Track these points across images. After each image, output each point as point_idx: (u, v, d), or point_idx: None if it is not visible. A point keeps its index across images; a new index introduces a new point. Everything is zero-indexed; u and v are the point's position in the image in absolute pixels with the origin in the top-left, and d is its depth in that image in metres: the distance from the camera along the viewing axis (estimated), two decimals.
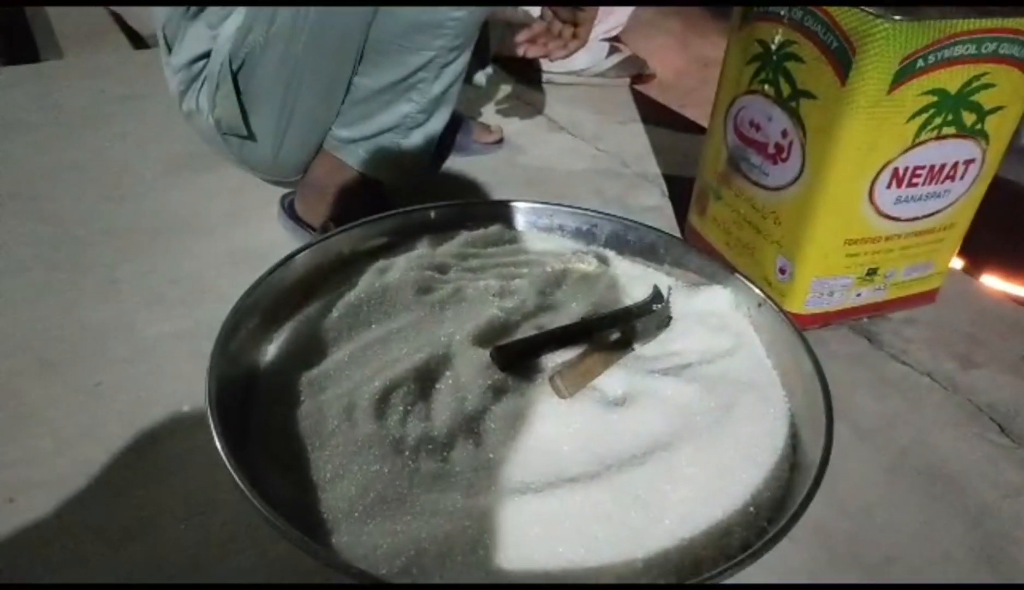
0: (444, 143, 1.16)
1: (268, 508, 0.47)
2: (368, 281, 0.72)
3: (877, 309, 0.94)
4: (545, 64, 1.45)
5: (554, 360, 0.64)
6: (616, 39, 1.50)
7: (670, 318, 0.71)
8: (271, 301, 0.68)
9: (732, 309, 0.73)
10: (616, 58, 1.49)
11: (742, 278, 0.74)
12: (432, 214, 0.81)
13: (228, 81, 0.82)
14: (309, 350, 0.65)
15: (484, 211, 0.83)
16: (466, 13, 0.76)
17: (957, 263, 1.29)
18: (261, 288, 0.67)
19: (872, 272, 0.89)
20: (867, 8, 0.72)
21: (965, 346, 0.92)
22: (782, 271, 0.89)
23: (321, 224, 0.93)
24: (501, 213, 0.83)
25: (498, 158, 1.21)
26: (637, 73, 1.50)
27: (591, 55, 1.45)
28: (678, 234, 1.07)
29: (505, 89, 1.42)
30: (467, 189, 1.12)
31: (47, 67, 1.49)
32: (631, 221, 0.81)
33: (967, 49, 0.74)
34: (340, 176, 0.91)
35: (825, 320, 0.91)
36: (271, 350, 0.66)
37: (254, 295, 0.65)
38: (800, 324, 0.89)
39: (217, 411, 0.53)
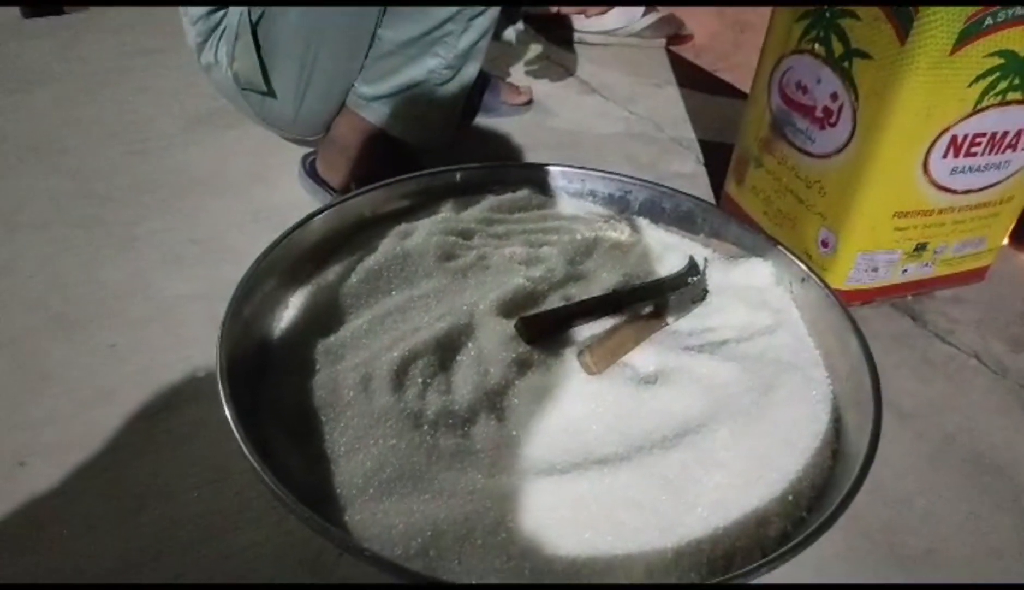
0: (472, 103, 1.12)
1: (277, 483, 0.44)
2: (389, 246, 0.69)
3: (923, 286, 0.89)
4: (577, 23, 1.39)
5: (583, 334, 0.61)
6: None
7: (706, 291, 0.67)
8: (287, 265, 0.65)
9: (773, 284, 0.69)
10: (652, 18, 1.42)
11: (785, 250, 0.70)
12: (457, 177, 0.77)
13: (247, 33, 0.79)
14: (326, 317, 0.63)
15: (512, 175, 0.79)
16: None
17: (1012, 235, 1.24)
18: (276, 251, 0.64)
19: (921, 247, 0.84)
20: None
21: (1017, 327, 0.87)
22: (824, 244, 0.84)
23: (342, 185, 0.89)
24: (530, 177, 0.79)
25: (527, 120, 1.16)
26: (674, 34, 1.43)
27: (626, 14, 1.39)
28: (714, 203, 1.02)
29: (535, 49, 1.37)
30: (494, 151, 1.08)
31: (71, 19, 1.47)
32: (666, 188, 0.77)
33: None
34: (363, 135, 0.87)
35: (868, 297, 0.87)
36: (287, 315, 0.63)
37: (269, 259, 0.63)
38: (844, 299, 0.86)
39: (228, 381, 0.51)
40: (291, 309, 0.64)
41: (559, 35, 1.40)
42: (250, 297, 0.60)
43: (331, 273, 0.67)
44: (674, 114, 1.22)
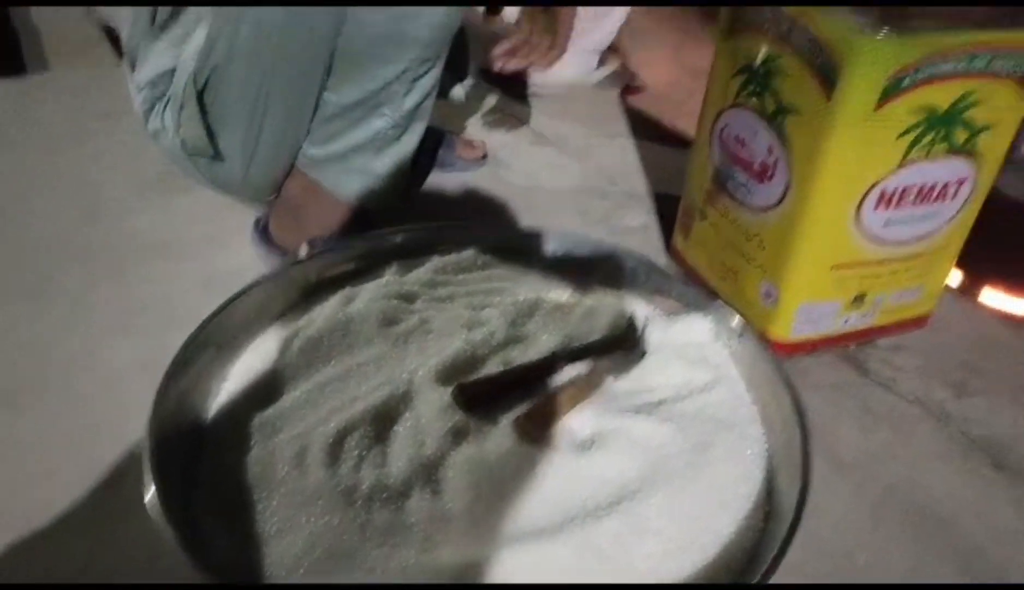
0: (425, 160, 1.13)
1: (202, 568, 0.44)
2: (331, 312, 0.69)
3: (866, 335, 0.90)
4: (533, 77, 1.42)
5: (521, 399, 0.61)
6: (606, 50, 1.47)
7: (645, 351, 0.68)
8: (227, 334, 0.65)
9: (712, 339, 0.70)
10: (606, 69, 1.46)
11: (724, 305, 0.71)
12: (402, 238, 0.78)
13: (192, 101, 0.80)
14: (265, 388, 0.63)
15: (457, 235, 0.80)
16: (438, 22, 0.74)
17: (955, 278, 1.26)
18: (215, 321, 0.64)
19: (860, 297, 0.86)
20: (853, 20, 0.69)
21: (959, 373, 0.88)
22: (767, 296, 0.86)
23: (295, 247, 0.90)
24: (475, 237, 0.80)
25: (482, 175, 1.18)
26: (627, 84, 1.47)
27: (580, 66, 1.42)
28: (664, 256, 1.04)
29: (491, 101, 1.39)
30: (449, 208, 1.10)
31: (31, 82, 1.47)
32: (610, 246, 0.78)
33: (958, 65, 0.71)
34: (314, 196, 0.88)
35: (812, 347, 0.88)
36: (225, 388, 0.63)
37: (206, 330, 0.63)
38: (786, 352, 0.87)
39: (160, 460, 0.51)
40: (230, 381, 0.64)
41: (515, 89, 1.43)
42: (186, 370, 0.60)
43: (271, 342, 0.67)
44: (627, 165, 1.24)
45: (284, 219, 0.92)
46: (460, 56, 0.94)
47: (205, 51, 0.78)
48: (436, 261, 0.76)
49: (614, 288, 0.76)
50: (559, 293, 0.74)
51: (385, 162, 0.83)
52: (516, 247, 0.80)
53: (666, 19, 1.89)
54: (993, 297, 1.24)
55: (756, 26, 0.80)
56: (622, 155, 1.28)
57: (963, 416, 0.82)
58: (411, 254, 0.78)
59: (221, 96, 0.80)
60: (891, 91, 0.70)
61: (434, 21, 0.73)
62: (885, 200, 0.78)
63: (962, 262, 1.17)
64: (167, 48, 0.80)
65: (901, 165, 0.76)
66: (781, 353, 0.87)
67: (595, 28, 1.39)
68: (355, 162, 0.82)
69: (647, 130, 1.36)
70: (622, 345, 0.68)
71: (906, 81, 0.70)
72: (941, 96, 0.72)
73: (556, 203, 1.13)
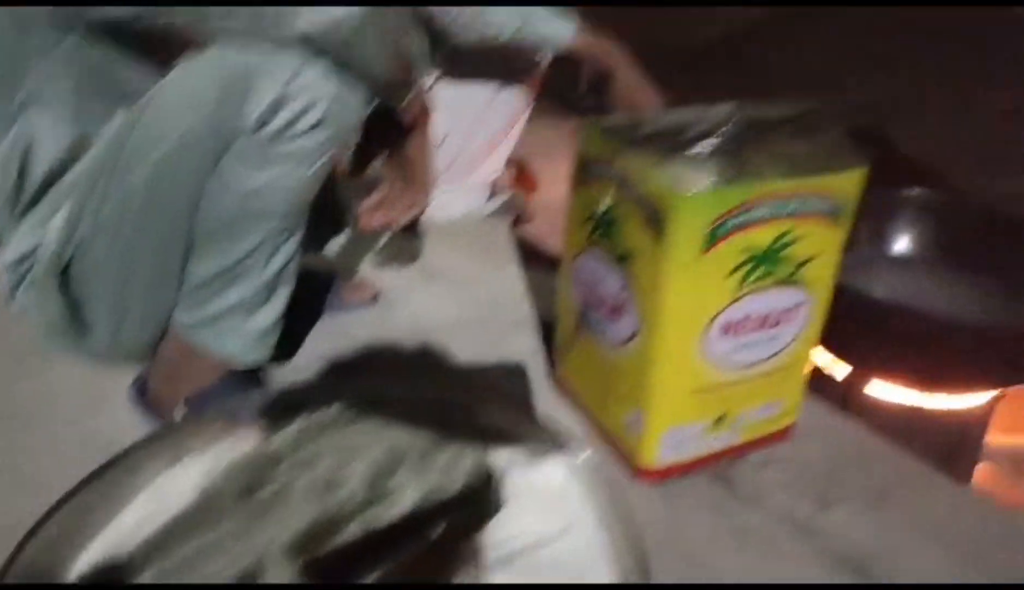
0: (312, 306, 1.16)
1: None
2: (190, 483, 0.69)
3: (733, 453, 0.94)
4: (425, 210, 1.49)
5: (376, 567, 0.61)
6: (495, 182, 1.55)
7: (502, 501, 0.70)
8: (79, 515, 0.64)
9: (569, 481, 0.72)
10: (496, 201, 1.54)
11: (580, 444, 0.74)
12: (273, 396, 0.79)
13: (55, 278, 0.81)
14: (116, 573, 0.62)
15: (326, 390, 0.81)
16: (287, 198, 0.78)
17: (842, 372, 1.36)
18: (67, 507, 0.63)
19: (721, 418, 0.90)
20: (673, 176, 0.77)
21: (822, 484, 0.92)
22: (634, 425, 0.90)
23: (171, 409, 0.90)
24: (341, 390, 0.81)
25: (371, 316, 1.21)
26: (518, 213, 1.54)
27: (470, 200, 1.50)
28: (547, 385, 1.07)
29: (383, 240, 1.44)
30: (337, 354, 1.11)
31: None
32: (477, 390, 0.81)
33: (770, 210, 0.79)
34: (190, 357, 0.89)
35: (682, 471, 0.91)
36: (75, 569, 0.62)
37: (56, 517, 0.62)
38: (658, 477, 0.90)
39: None
40: (80, 563, 0.63)
41: (408, 225, 1.48)
42: (32, 554, 0.58)
43: (128, 520, 0.66)
44: (516, 294, 1.30)
45: (162, 379, 0.92)
46: (334, 211, 0.99)
47: (69, 228, 0.80)
48: (302, 420, 0.77)
49: (477, 433, 0.78)
50: (423, 442, 0.76)
51: (257, 322, 0.85)
52: (383, 398, 0.82)
53: (565, 145, 2.01)
54: (880, 389, 1.35)
55: (598, 178, 0.87)
56: (511, 284, 1.33)
57: (826, 530, 0.86)
58: (282, 413, 0.79)
59: (86, 270, 0.81)
60: (714, 237, 0.77)
61: (284, 197, 0.78)
62: (728, 329, 0.84)
63: (849, 358, 1.28)
64: (30, 229, 0.82)
65: (737, 299, 0.82)
66: (653, 479, 0.90)
67: (483, 163, 1.47)
68: (226, 325, 0.84)
69: (536, 257, 1.43)
70: (480, 497, 0.70)
71: (727, 227, 0.77)
72: (761, 237, 0.80)
73: (444, 337, 1.16)
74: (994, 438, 1.79)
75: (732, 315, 0.83)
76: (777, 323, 0.87)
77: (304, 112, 0.72)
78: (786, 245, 0.81)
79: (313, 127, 0.73)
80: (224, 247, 0.78)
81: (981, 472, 1.67)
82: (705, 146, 0.84)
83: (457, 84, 1.36)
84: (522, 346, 1.16)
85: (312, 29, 0.70)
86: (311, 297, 1.16)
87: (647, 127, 0.87)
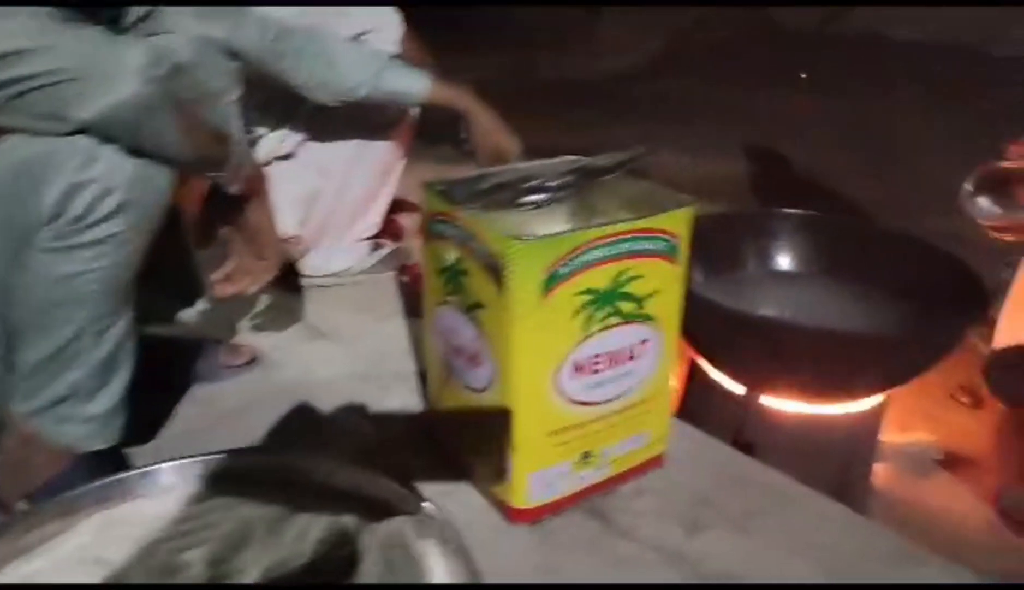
0: (182, 376, 1.13)
1: None
2: (24, 581, 0.66)
3: (606, 486, 0.96)
4: (305, 268, 1.48)
5: None
6: (377, 236, 1.56)
7: (356, 563, 0.69)
8: None
9: (421, 540, 0.72)
10: (379, 254, 1.54)
11: (429, 504, 0.74)
12: (111, 484, 0.77)
13: None
14: None
15: (173, 471, 0.79)
16: (95, 289, 0.77)
17: (739, 389, 1.42)
18: None
19: (587, 455, 0.92)
20: (508, 227, 0.79)
21: (693, 510, 0.95)
22: (502, 469, 0.90)
23: (14, 502, 0.86)
24: (193, 468, 0.80)
25: (249, 380, 1.19)
26: (403, 263, 1.55)
27: (353, 255, 1.50)
28: (425, 434, 1.07)
29: (264, 300, 1.42)
30: (211, 424, 1.09)
31: None
32: (323, 458, 0.80)
33: (603, 252, 0.82)
34: (34, 447, 0.85)
35: (554, 509, 0.92)
36: None
37: None
38: (531, 517, 0.91)
39: None
40: None
41: (290, 283, 1.47)
42: None
43: None
44: (396, 347, 1.30)
45: (6, 472, 0.88)
46: (189, 280, 0.98)
47: None
48: (145, 503, 0.75)
49: (333, 497, 0.77)
50: (274, 513, 0.75)
51: (97, 406, 0.83)
52: (238, 470, 0.80)
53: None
54: (776, 402, 1.41)
55: (442, 234, 0.89)
56: (393, 337, 1.33)
57: (696, 554, 0.88)
58: (124, 498, 0.77)
59: None
60: (552, 281, 0.80)
61: (96, 283, 0.76)
62: (579, 369, 0.86)
63: (742, 376, 1.33)
64: None
65: (584, 340, 0.85)
66: (527, 520, 0.91)
67: (360, 218, 1.48)
68: (64, 411, 0.81)
69: (419, 308, 1.43)
70: (331, 562, 0.69)
71: (563, 272, 0.80)
72: (599, 278, 0.83)
73: (323, 395, 1.15)
74: (889, 437, 1.88)
75: (581, 355, 0.85)
76: (628, 359, 0.89)
77: (101, 198, 0.71)
78: (626, 282, 0.85)
79: (113, 213, 0.72)
80: (47, 335, 0.76)
81: (879, 472, 1.75)
82: (541, 197, 0.87)
83: (325, 142, 1.37)
84: (402, 399, 1.16)
85: (91, 116, 0.69)
86: (177, 369, 1.13)
87: (487, 181, 0.90)
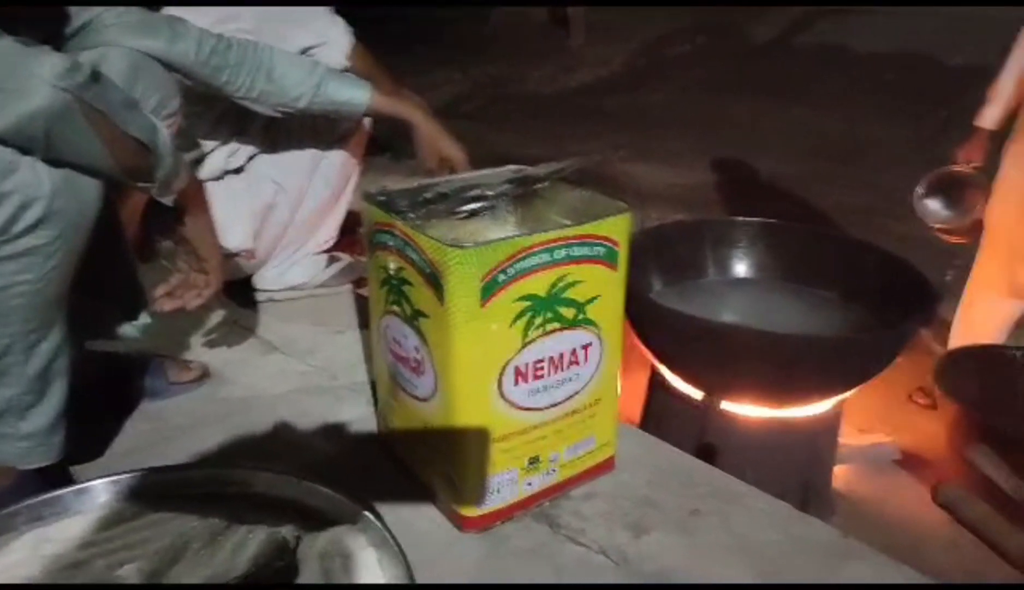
0: (130, 392, 1.12)
1: None
2: None
3: (556, 490, 0.97)
4: (260, 282, 1.48)
5: None
6: (334, 249, 1.56)
7: (294, 572, 0.69)
8: None
9: (360, 549, 0.73)
10: (335, 267, 1.54)
11: (369, 515, 0.74)
12: (47, 501, 0.76)
13: None
14: None
15: (114, 486, 0.79)
16: (29, 300, 0.76)
17: (698, 394, 1.43)
18: None
19: (535, 460, 0.92)
20: (445, 236, 0.80)
21: (640, 512, 0.96)
22: (451, 477, 0.91)
23: None
24: (135, 484, 0.79)
25: (198, 396, 1.18)
26: (359, 277, 1.55)
27: (309, 268, 1.49)
28: (376, 447, 1.07)
29: (218, 315, 1.42)
30: (160, 441, 1.07)
31: None
32: (263, 468, 0.80)
33: (541, 258, 0.83)
34: None
35: (505, 515, 0.93)
36: None
37: None
38: (480, 525, 0.91)
39: None
40: None
41: (245, 297, 1.47)
42: None
43: None
44: (351, 359, 1.29)
45: None
46: (130, 295, 0.97)
47: None
48: (82, 520, 0.75)
49: (267, 512, 0.77)
50: (213, 526, 0.74)
51: (32, 423, 0.82)
52: (179, 485, 0.80)
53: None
54: (734, 406, 1.43)
55: (384, 244, 0.89)
56: (346, 349, 1.33)
57: (640, 555, 0.89)
58: (61, 515, 0.76)
59: None
60: (490, 289, 0.81)
61: (22, 298, 0.75)
62: (521, 375, 0.86)
63: (700, 382, 1.35)
64: None
65: (524, 346, 0.85)
66: (477, 527, 0.91)
67: (315, 232, 1.48)
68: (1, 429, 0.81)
69: None
70: (269, 572, 0.69)
71: (500, 279, 0.81)
72: (537, 285, 0.83)
73: (275, 410, 1.15)
74: (849, 439, 1.91)
75: (522, 361, 0.86)
76: (571, 364, 0.90)
77: (23, 209, 0.70)
78: (565, 288, 0.86)
79: (36, 224, 0.72)
80: None
81: (840, 473, 1.78)
82: (480, 205, 0.88)
83: (278, 155, 1.37)
84: (352, 412, 1.16)
85: (4, 126, 0.68)
86: (125, 386, 1.12)
87: (428, 191, 0.91)
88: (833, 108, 4.74)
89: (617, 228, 0.88)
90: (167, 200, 0.81)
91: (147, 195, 0.87)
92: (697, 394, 1.49)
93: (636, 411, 1.68)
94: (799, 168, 3.94)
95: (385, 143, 2.20)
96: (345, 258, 1.57)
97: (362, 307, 1.48)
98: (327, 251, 1.53)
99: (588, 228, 0.85)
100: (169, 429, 1.10)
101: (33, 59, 0.68)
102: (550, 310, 0.86)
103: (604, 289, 0.89)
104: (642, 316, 1.42)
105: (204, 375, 1.21)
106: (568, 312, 0.87)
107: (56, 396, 0.83)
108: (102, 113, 0.71)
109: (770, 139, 4.40)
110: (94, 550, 0.72)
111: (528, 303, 0.84)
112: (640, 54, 6.55)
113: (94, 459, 1.02)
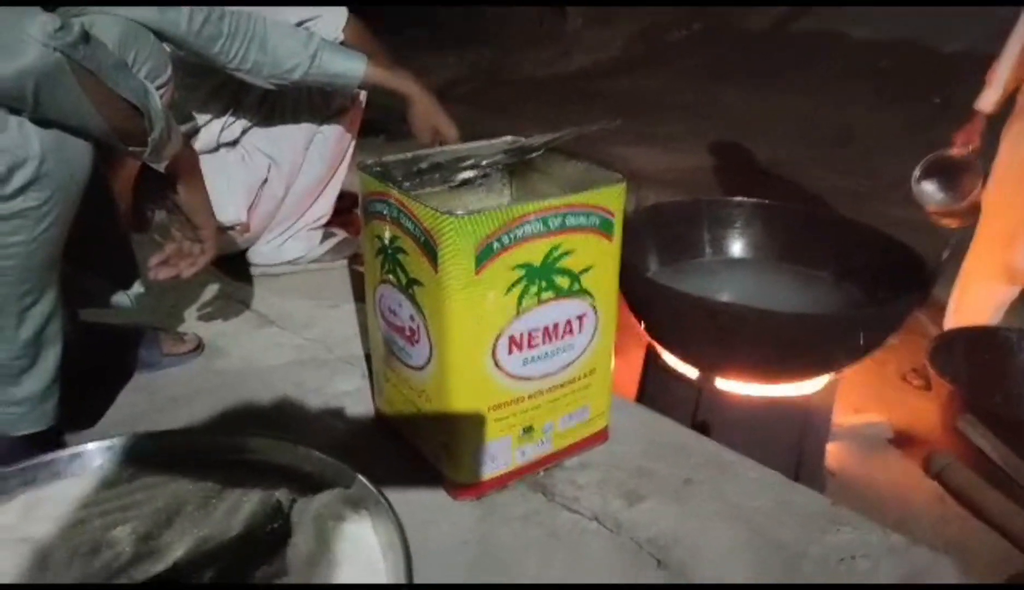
0: (126, 362, 1.12)
1: None
2: None
3: (550, 460, 0.97)
4: (255, 257, 1.47)
5: None
6: (328, 224, 1.55)
7: (288, 536, 0.69)
8: None
9: (353, 513, 0.73)
10: (330, 242, 1.54)
11: (362, 479, 0.74)
12: (37, 465, 0.76)
13: None
14: None
15: (108, 450, 0.79)
16: (22, 262, 0.76)
17: (693, 372, 1.44)
18: None
19: (528, 430, 0.93)
20: (439, 204, 0.79)
21: (633, 481, 0.96)
22: (445, 445, 0.91)
23: None
24: (129, 448, 0.79)
25: (193, 368, 1.18)
26: (354, 253, 1.55)
27: (304, 243, 1.49)
28: (372, 418, 1.07)
29: (213, 288, 1.41)
30: (153, 411, 1.08)
31: None
32: (256, 431, 0.80)
33: (536, 227, 0.82)
34: None
35: (500, 483, 0.93)
36: None
37: None
38: (476, 493, 0.92)
39: None
40: None
41: (240, 271, 1.46)
42: None
43: None
44: (346, 333, 1.29)
45: None
46: (123, 264, 0.97)
47: None
48: (75, 483, 0.75)
49: (261, 476, 0.77)
50: (205, 491, 0.75)
51: (26, 388, 0.82)
52: (174, 449, 0.80)
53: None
54: (729, 384, 1.44)
55: (379, 213, 0.89)
56: (342, 323, 1.33)
57: (633, 522, 0.90)
58: (52, 478, 0.76)
59: None
60: (484, 257, 0.81)
61: (15, 259, 0.75)
62: (515, 344, 0.87)
63: (696, 360, 1.35)
64: None
65: (518, 315, 0.85)
66: (471, 495, 0.92)
67: (310, 206, 1.47)
68: None
69: None
70: (261, 536, 0.70)
71: (495, 247, 0.81)
72: (532, 253, 0.83)
73: (270, 382, 1.15)
74: (843, 419, 1.93)
75: (517, 330, 0.86)
76: (565, 334, 0.90)
77: (13, 169, 0.70)
78: (560, 257, 0.86)
79: (27, 186, 0.71)
80: None
81: (833, 451, 1.79)
82: (474, 174, 0.88)
83: (273, 129, 1.36)
84: (348, 384, 1.16)
85: None
86: (119, 357, 1.12)
87: (423, 161, 0.90)
88: (828, 94, 4.74)
89: (612, 198, 0.88)
90: (160, 166, 0.81)
91: (139, 164, 0.86)
92: (692, 372, 1.49)
93: (632, 389, 1.69)
94: (794, 153, 3.93)
95: (380, 124, 2.18)
96: (340, 233, 1.57)
97: (357, 282, 1.48)
98: (322, 227, 1.53)
99: (583, 197, 0.85)
100: (162, 400, 1.10)
101: (23, 18, 0.67)
102: (545, 279, 0.86)
103: (599, 259, 0.89)
104: (638, 294, 1.42)
105: (198, 347, 1.21)
106: (563, 281, 0.87)
107: (49, 361, 0.83)
108: (92, 73, 0.70)
109: (766, 124, 4.39)
110: (89, 511, 0.72)
111: (523, 272, 0.84)
112: (637, 39, 6.52)
113: (87, 428, 1.02)
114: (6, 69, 0.66)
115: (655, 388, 1.65)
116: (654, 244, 1.74)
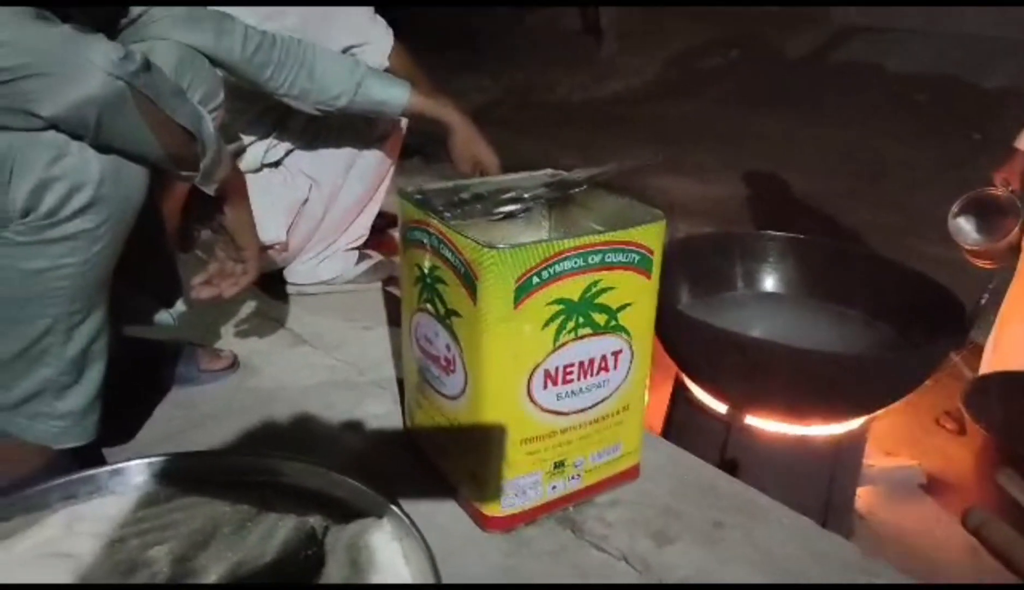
0: (163, 378, 1.14)
1: None
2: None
3: (580, 496, 0.97)
4: (291, 276, 1.49)
5: None
6: (364, 246, 1.57)
7: (322, 562, 0.70)
8: None
9: (386, 542, 0.73)
10: (366, 264, 1.55)
11: (395, 509, 0.75)
12: (76, 480, 0.77)
13: None
14: None
15: (147, 469, 0.80)
16: (61, 286, 0.77)
17: (723, 408, 1.43)
18: None
19: (560, 464, 0.93)
20: (480, 236, 0.80)
21: (662, 521, 0.96)
22: (474, 476, 0.91)
23: None
24: (167, 467, 0.80)
25: (227, 384, 1.19)
26: (388, 276, 1.56)
27: (340, 264, 1.51)
28: (401, 443, 1.08)
29: (250, 306, 1.43)
30: (190, 427, 1.09)
31: None
32: (290, 455, 0.81)
33: (575, 263, 0.83)
34: (6, 446, 0.86)
35: (528, 517, 0.93)
36: None
37: None
38: (504, 526, 0.92)
39: None
40: None
41: (276, 290, 1.48)
42: None
43: None
44: (378, 356, 1.31)
45: None
46: (168, 282, 0.99)
47: None
48: (115, 502, 0.76)
49: (296, 501, 0.78)
50: (242, 513, 0.75)
51: (69, 403, 0.84)
52: (211, 471, 0.81)
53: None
54: (759, 421, 1.42)
55: (419, 242, 0.90)
56: (374, 345, 1.34)
57: (662, 565, 0.89)
58: (93, 495, 0.77)
59: None
60: (524, 291, 0.81)
61: (68, 279, 0.77)
62: (550, 378, 0.87)
63: (725, 395, 1.34)
64: None
65: (555, 349, 0.85)
66: (500, 528, 0.91)
67: (348, 228, 1.49)
68: (35, 407, 0.82)
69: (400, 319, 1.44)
70: (296, 562, 0.70)
71: (535, 281, 0.81)
72: (571, 289, 0.84)
73: (301, 403, 1.16)
74: (874, 461, 1.89)
75: (553, 364, 0.86)
76: (600, 370, 0.90)
77: (71, 194, 0.72)
78: (598, 294, 0.86)
79: (84, 209, 0.73)
80: (18, 330, 0.77)
81: (863, 494, 1.75)
82: (516, 208, 0.88)
83: (315, 151, 1.39)
84: (378, 408, 1.16)
85: (58, 111, 0.69)
86: (157, 372, 1.14)
87: (464, 191, 0.91)
88: (864, 126, 4.71)
89: (652, 235, 0.88)
90: (210, 189, 0.83)
91: (189, 186, 0.88)
92: (721, 407, 1.48)
93: (658, 421, 1.67)
94: (829, 185, 3.91)
95: (417, 146, 2.21)
96: (376, 256, 1.59)
97: (391, 304, 1.49)
98: (358, 248, 1.55)
99: (623, 234, 0.85)
100: (199, 416, 1.12)
101: (87, 46, 0.70)
102: (582, 315, 0.86)
103: (637, 296, 0.89)
104: (669, 327, 1.41)
105: (234, 364, 1.22)
106: (600, 318, 0.87)
107: (93, 378, 0.84)
108: (152, 101, 0.72)
109: (800, 155, 4.37)
110: (127, 530, 0.73)
111: (561, 307, 0.84)
112: (672, 65, 6.54)
113: (125, 443, 1.04)
114: (70, 97, 0.68)
115: (682, 421, 1.63)
116: (685, 276, 1.73)
